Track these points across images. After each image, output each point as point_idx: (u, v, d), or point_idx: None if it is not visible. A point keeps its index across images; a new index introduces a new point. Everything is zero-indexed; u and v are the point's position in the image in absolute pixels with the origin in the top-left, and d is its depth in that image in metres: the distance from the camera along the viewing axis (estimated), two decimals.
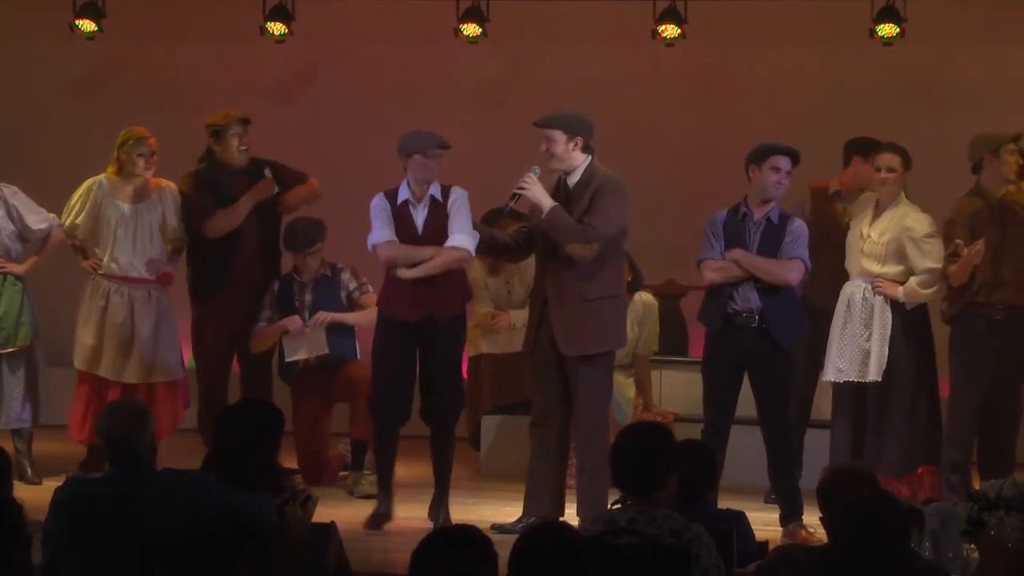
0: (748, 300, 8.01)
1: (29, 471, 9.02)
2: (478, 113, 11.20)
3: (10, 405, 9.04)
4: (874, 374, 8.46)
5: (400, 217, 7.95)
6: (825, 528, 5.07)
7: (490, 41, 10.62)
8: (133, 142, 8.99)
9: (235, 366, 9.38)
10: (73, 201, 9.04)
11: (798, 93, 10.86)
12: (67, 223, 9.03)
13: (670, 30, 10.32)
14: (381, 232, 7.93)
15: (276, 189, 9.21)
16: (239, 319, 9.15)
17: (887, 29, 10.07)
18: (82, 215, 9.01)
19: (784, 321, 8.01)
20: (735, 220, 8.11)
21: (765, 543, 6.06)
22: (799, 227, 8.07)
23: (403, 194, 7.97)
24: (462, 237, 7.90)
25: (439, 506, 8.08)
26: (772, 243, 8.02)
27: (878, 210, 8.58)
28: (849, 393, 8.56)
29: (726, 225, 8.12)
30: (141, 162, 8.99)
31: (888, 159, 8.53)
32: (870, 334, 8.49)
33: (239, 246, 9.12)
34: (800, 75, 10.94)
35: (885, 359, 8.45)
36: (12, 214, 9.03)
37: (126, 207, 9.01)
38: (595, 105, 10.25)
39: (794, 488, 8.07)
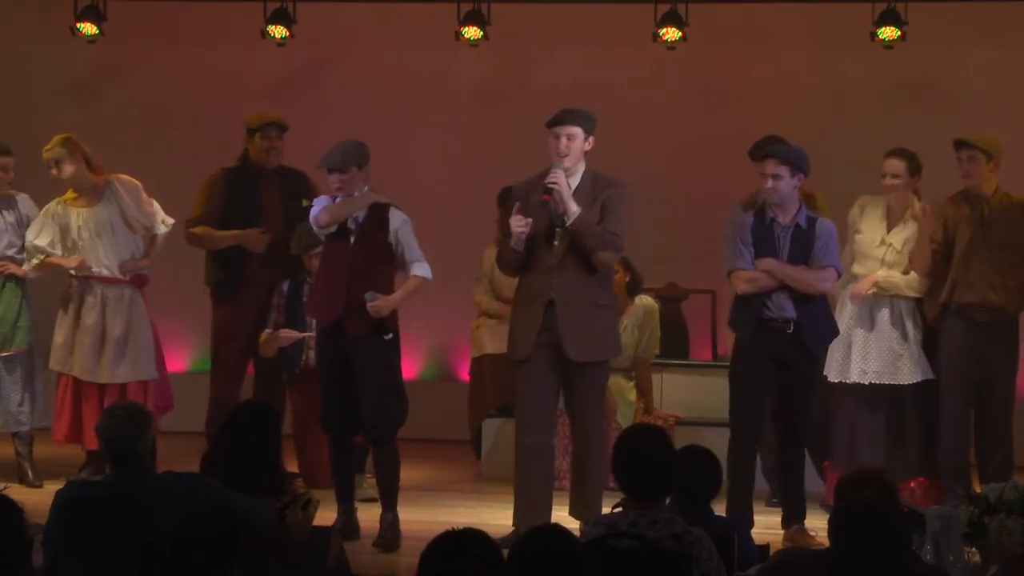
0: (782, 308, 7.84)
1: (30, 474, 9.06)
2: (479, 115, 11.22)
3: (7, 408, 9.07)
4: (912, 376, 8.54)
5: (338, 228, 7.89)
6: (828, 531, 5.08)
7: (491, 44, 10.62)
8: (52, 147, 9.00)
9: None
10: (35, 223, 9.03)
11: (799, 96, 10.86)
12: (30, 246, 9.00)
13: (671, 33, 10.32)
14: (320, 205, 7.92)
15: (263, 247, 9.13)
16: (258, 321, 9.18)
17: (888, 32, 10.07)
18: (43, 233, 8.98)
19: (818, 327, 7.92)
20: (762, 225, 7.89)
21: (766, 546, 6.03)
22: (828, 229, 7.90)
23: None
24: (420, 266, 7.83)
25: (385, 525, 7.81)
26: (802, 249, 7.84)
27: (892, 217, 8.61)
28: (875, 394, 8.59)
29: (754, 231, 7.89)
30: (52, 171, 8.99)
31: (892, 165, 8.54)
32: (900, 337, 8.56)
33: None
34: (801, 78, 10.96)
35: (925, 361, 8.53)
36: (22, 223, 9.10)
37: (84, 211, 9.01)
38: (596, 107, 10.23)
39: (801, 491, 8.05)
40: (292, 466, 8.65)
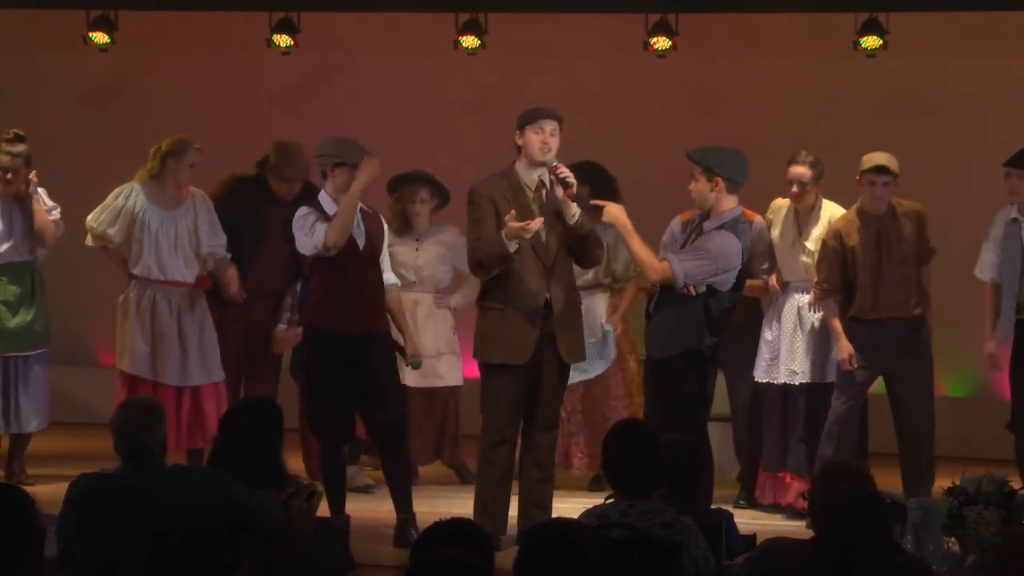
0: (649, 304, 7.90)
1: (19, 473, 8.94)
2: (476, 122, 11.21)
3: (35, 408, 8.99)
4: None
5: None
6: (811, 522, 5.16)
7: (488, 52, 10.68)
8: (189, 151, 8.94)
9: None
10: (106, 207, 8.95)
11: (785, 103, 10.90)
12: (98, 231, 8.93)
13: (661, 42, 10.36)
14: (319, 229, 7.51)
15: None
16: (258, 323, 9.33)
17: (870, 42, 10.10)
18: (116, 224, 8.93)
19: (660, 331, 7.75)
20: (685, 230, 8.03)
21: (753, 536, 6.13)
22: (708, 238, 7.70)
23: (329, 207, 7.59)
24: (391, 275, 7.84)
25: (404, 532, 7.58)
26: None
27: (800, 220, 8.61)
28: (805, 393, 8.60)
29: (676, 236, 8.09)
30: (191, 172, 8.96)
31: (796, 173, 8.54)
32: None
33: (262, 251, 9.29)
34: (787, 86, 10.98)
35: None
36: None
37: (165, 213, 8.95)
38: (589, 114, 10.47)
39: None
40: (296, 458, 8.72)
